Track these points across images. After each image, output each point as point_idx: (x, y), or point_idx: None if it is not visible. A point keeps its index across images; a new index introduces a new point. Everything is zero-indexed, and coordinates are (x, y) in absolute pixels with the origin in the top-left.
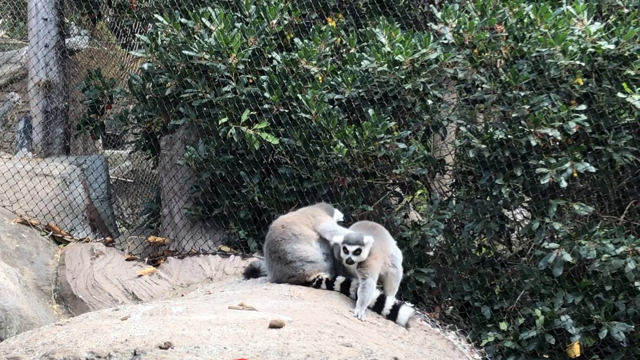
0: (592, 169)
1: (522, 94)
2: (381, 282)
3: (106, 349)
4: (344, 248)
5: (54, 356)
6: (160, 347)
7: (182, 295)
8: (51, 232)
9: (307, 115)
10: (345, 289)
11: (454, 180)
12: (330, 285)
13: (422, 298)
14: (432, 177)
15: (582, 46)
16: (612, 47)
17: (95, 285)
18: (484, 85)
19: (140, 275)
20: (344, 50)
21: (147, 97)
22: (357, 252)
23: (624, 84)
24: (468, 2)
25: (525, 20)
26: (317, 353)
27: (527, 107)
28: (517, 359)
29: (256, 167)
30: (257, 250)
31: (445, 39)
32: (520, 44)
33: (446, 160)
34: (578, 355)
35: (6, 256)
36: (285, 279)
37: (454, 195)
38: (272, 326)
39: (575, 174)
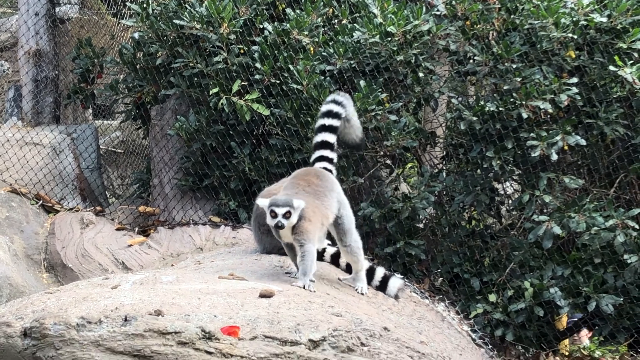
0: (583, 142)
1: (514, 66)
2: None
3: (97, 314)
4: (272, 212)
5: (44, 321)
6: (150, 314)
7: (172, 265)
8: (41, 201)
9: (299, 86)
10: (335, 261)
11: (445, 152)
12: (320, 257)
13: (411, 270)
14: (423, 150)
15: (574, 19)
16: (604, 20)
17: (85, 255)
18: (476, 58)
19: (130, 245)
20: (336, 21)
21: (137, 66)
22: (287, 216)
23: (616, 57)
24: None
25: None
26: (307, 322)
27: (518, 79)
28: (505, 330)
29: (247, 137)
30: (248, 221)
31: (438, 10)
32: (512, 16)
33: (437, 133)
34: (565, 327)
35: None
36: (275, 251)
37: (444, 168)
38: (262, 295)
39: (566, 147)
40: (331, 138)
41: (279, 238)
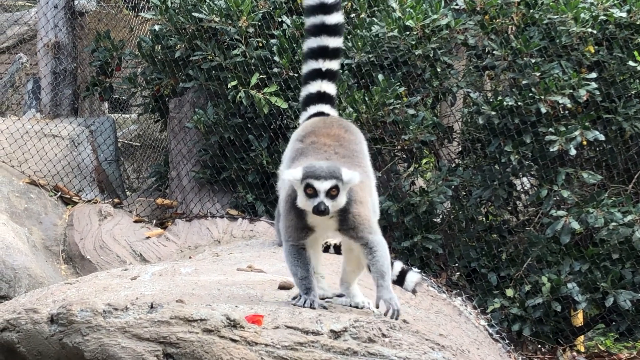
0: (602, 137)
1: (533, 61)
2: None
3: (123, 301)
4: (308, 186)
5: (71, 308)
6: (177, 301)
7: (190, 258)
8: (59, 193)
9: None
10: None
11: (462, 147)
12: (338, 250)
13: (429, 264)
14: (441, 144)
15: (593, 14)
16: (623, 15)
17: (103, 246)
18: (494, 52)
19: (148, 237)
20: (355, 14)
21: (156, 59)
22: (333, 193)
23: (635, 53)
24: None
25: None
26: (327, 313)
27: (537, 74)
28: (522, 325)
29: (265, 131)
30: (265, 214)
31: (457, 4)
32: (531, 10)
33: (454, 128)
34: (581, 323)
35: (15, 216)
36: None
37: (461, 163)
38: (281, 287)
39: (584, 142)
40: (331, 88)
41: (302, 234)
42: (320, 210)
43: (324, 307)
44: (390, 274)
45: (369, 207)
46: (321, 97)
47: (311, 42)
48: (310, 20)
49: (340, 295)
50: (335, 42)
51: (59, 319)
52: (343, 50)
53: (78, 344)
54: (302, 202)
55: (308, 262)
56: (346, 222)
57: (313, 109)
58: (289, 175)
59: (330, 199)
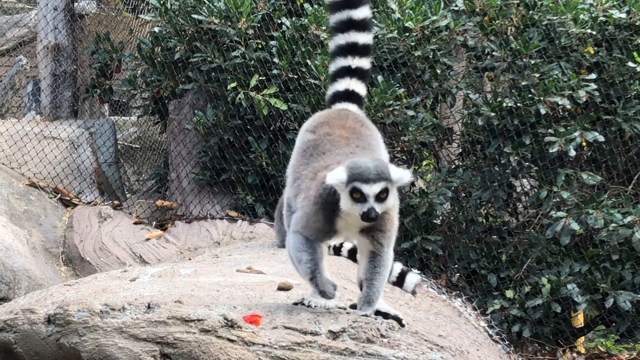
0: (601, 138)
1: (532, 62)
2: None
3: (120, 301)
4: (355, 190)
5: (68, 308)
6: (175, 302)
7: (190, 259)
8: (59, 195)
9: (316, 81)
10: (352, 256)
11: (462, 149)
12: (337, 251)
13: (428, 265)
14: (440, 146)
15: (593, 15)
16: (623, 16)
17: (103, 248)
18: (494, 53)
19: (147, 239)
20: None
21: (155, 61)
22: (383, 197)
23: (635, 54)
24: None
25: None
26: (326, 314)
27: (537, 75)
28: (522, 326)
29: (264, 132)
30: (265, 215)
31: (456, 5)
32: (531, 11)
33: (453, 129)
34: (582, 325)
35: (14, 218)
36: None
37: (460, 164)
38: (280, 288)
39: (584, 143)
40: (360, 87)
41: (325, 237)
42: (370, 218)
43: (338, 306)
44: (381, 294)
45: (397, 213)
46: (349, 96)
47: (339, 39)
48: (335, 17)
49: (353, 307)
50: (365, 37)
51: (55, 319)
52: (373, 47)
53: (75, 344)
54: (347, 206)
55: (316, 250)
56: (377, 222)
57: (338, 107)
58: (330, 178)
59: (379, 202)
